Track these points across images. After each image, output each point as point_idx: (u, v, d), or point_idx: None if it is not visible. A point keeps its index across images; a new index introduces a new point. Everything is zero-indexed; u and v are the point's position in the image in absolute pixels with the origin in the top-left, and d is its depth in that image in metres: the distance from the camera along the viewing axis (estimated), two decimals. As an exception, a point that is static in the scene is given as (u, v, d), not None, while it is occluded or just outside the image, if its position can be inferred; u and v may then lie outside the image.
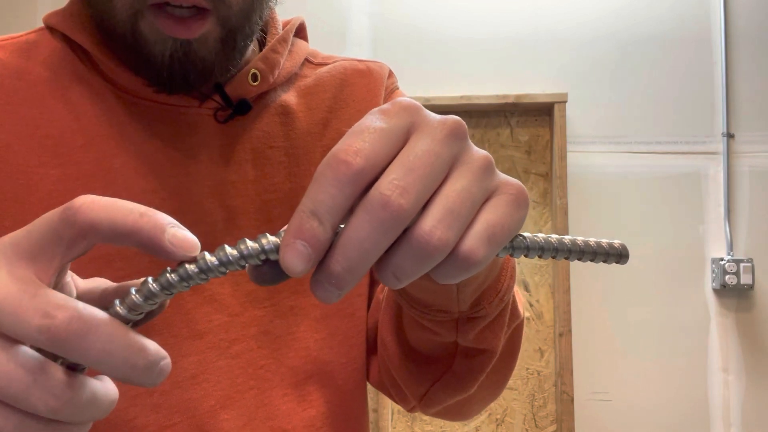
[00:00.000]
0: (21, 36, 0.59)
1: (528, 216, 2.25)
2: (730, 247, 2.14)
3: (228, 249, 0.28)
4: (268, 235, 0.29)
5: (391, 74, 0.70)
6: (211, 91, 0.57)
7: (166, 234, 0.29)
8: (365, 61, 0.69)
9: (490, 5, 2.30)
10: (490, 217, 0.31)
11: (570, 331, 2.13)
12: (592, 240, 0.34)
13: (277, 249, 0.28)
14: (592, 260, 0.34)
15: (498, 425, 2.22)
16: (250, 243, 0.29)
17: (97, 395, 0.29)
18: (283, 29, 0.64)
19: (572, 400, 2.11)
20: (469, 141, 0.32)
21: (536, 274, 2.23)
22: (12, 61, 0.56)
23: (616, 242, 0.35)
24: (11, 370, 0.27)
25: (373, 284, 0.66)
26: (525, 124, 2.28)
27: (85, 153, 0.54)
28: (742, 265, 2.10)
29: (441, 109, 2.21)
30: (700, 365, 2.15)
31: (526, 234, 0.34)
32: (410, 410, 0.64)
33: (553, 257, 0.34)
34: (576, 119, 2.23)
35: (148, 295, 0.28)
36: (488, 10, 2.30)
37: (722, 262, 2.11)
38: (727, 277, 2.10)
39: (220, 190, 0.57)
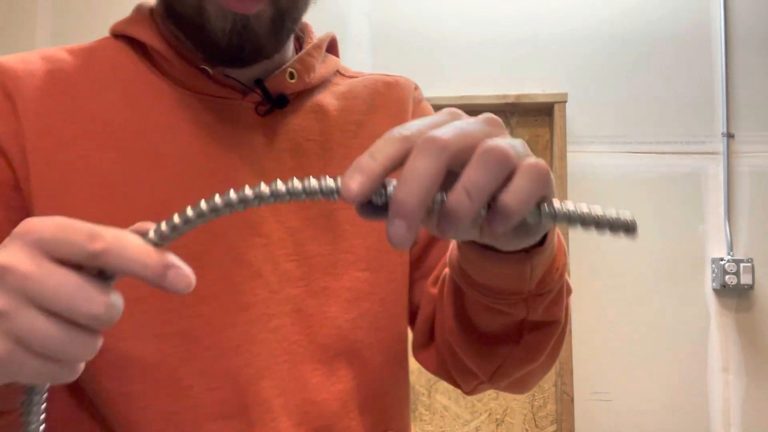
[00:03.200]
0: (88, 44, 0.67)
1: (528, 216, 2.25)
2: (730, 247, 2.14)
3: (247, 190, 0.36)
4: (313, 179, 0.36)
5: (417, 87, 0.77)
6: (253, 86, 0.64)
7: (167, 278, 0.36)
8: (393, 75, 0.76)
9: (490, 5, 2.30)
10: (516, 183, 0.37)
11: (570, 331, 2.13)
12: (600, 211, 0.38)
13: (288, 191, 0.36)
14: (600, 229, 0.38)
15: (498, 425, 2.21)
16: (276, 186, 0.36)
17: (118, 302, 0.36)
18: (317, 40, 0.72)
19: (572, 400, 2.11)
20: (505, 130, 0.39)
21: (536, 274, 2.23)
22: (79, 62, 0.64)
23: (627, 214, 0.38)
24: (60, 284, 0.34)
25: (413, 282, 0.71)
26: (525, 124, 2.28)
27: (139, 140, 0.60)
28: (742, 265, 2.10)
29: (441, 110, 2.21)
30: (700, 365, 2.15)
31: (553, 202, 0.39)
32: (470, 392, 0.68)
33: (568, 224, 0.39)
34: (576, 119, 2.23)
35: (174, 227, 0.36)
36: (488, 10, 2.30)
37: (722, 262, 2.11)
38: (727, 277, 2.10)
39: (260, 175, 0.62)
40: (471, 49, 2.29)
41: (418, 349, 0.71)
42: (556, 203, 0.38)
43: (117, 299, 0.36)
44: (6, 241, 0.36)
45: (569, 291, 0.59)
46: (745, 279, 2.10)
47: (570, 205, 0.38)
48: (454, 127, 0.36)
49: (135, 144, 0.60)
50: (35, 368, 0.35)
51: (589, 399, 2.17)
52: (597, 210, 0.38)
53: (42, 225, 0.35)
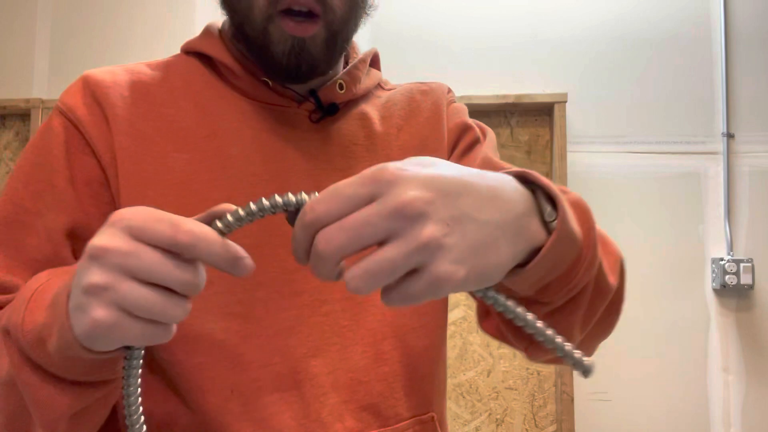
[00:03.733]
0: (164, 60, 0.76)
1: (528, 216, 2.25)
2: (730, 247, 2.14)
3: (270, 200, 0.43)
4: (292, 194, 0.43)
5: (449, 91, 0.84)
6: (307, 96, 0.72)
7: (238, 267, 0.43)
8: (427, 82, 0.84)
9: (491, 5, 2.30)
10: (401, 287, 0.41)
11: (570, 331, 2.13)
12: (561, 339, 0.42)
13: (295, 205, 0.43)
14: (555, 354, 0.42)
15: (498, 425, 2.22)
16: (280, 198, 0.43)
17: (203, 272, 0.43)
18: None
19: (572, 400, 2.11)
20: (424, 215, 0.40)
21: (536, 274, 2.23)
22: (156, 74, 0.73)
23: (586, 358, 0.42)
24: (154, 259, 0.41)
25: None
26: (525, 124, 2.28)
27: (209, 143, 0.68)
28: (742, 265, 2.10)
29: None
30: (700, 365, 2.15)
31: (498, 296, 0.44)
32: (531, 357, 0.70)
33: (519, 325, 0.44)
34: (576, 119, 2.23)
35: (238, 218, 0.42)
36: (488, 10, 2.30)
37: (722, 262, 2.11)
38: (727, 277, 2.10)
39: (314, 174, 0.70)
40: (471, 49, 2.29)
41: (481, 318, 0.75)
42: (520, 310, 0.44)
43: (201, 270, 0.43)
44: (101, 228, 0.43)
45: (603, 293, 0.58)
46: (745, 279, 2.10)
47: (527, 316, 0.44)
48: (343, 229, 0.40)
49: (205, 146, 0.68)
50: (138, 331, 0.41)
51: (589, 399, 2.17)
52: (553, 338, 0.43)
53: (131, 214, 0.42)
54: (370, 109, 0.77)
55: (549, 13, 2.28)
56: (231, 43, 0.73)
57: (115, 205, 0.67)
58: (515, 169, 0.51)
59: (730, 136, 2.18)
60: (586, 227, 0.52)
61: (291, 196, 0.42)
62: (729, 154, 2.18)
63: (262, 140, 0.70)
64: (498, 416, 2.22)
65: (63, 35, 2.46)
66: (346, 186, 0.40)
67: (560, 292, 0.52)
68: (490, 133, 0.81)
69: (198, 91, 0.72)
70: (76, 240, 0.66)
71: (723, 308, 2.16)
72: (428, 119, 0.79)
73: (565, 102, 2.18)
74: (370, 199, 0.40)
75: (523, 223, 0.46)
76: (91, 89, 0.69)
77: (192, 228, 0.41)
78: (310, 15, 0.65)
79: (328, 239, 0.39)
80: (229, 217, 0.43)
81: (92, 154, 0.67)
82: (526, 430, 2.21)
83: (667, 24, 2.24)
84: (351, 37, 0.71)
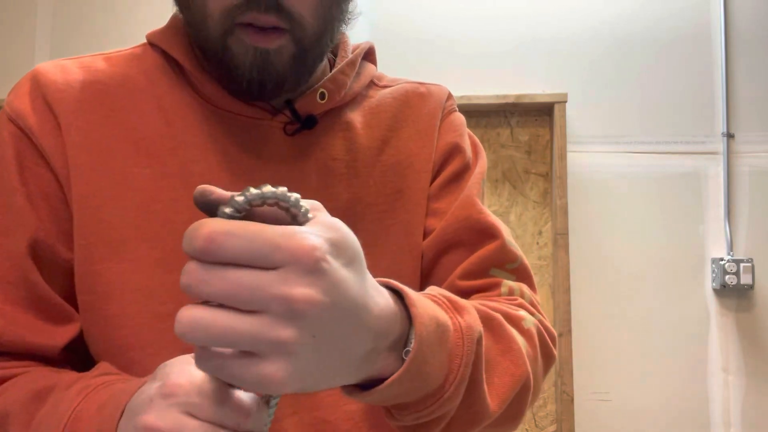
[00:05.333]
0: (127, 49, 0.68)
1: (528, 216, 2.25)
2: (730, 247, 2.14)
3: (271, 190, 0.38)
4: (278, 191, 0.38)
5: (449, 97, 0.76)
6: (282, 106, 0.64)
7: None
8: (427, 84, 0.75)
9: (490, 5, 2.30)
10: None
11: (570, 331, 2.13)
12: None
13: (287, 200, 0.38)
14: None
15: (498, 425, 2.21)
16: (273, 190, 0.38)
17: (266, 417, 0.43)
18: (353, 53, 0.71)
19: (572, 400, 2.11)
20: (303, 318, 0.36)
21: (536, 274, 2.23)
22: (117, 70, 0.65)
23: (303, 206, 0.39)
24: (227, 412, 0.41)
25: None
26: (525, 124, 2.28)
27: (173, 156, 0.62)
28: (742, 265, 2.10)
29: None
30: (700, 365, 2.15)
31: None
32: None
33: None
34: (576, 119, 2.23)
35: (246, 201, 0.38)
36: (488, 10, 2.30)
37: (722, 262, 2.11)
38: (727, 277, 2.10)
39: None
40: (471, 49, 2.29)
41: None
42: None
43: (264, 415, 0.42)
44: (149, 399, 0.42)
45: (509, 387, 0.55)
46: (745, 279, 2.10)
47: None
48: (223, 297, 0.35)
49: (168, 161, 0.62)
50: None
51: (589, 399, 2.17)
52: None
53: (186, 387, 0.41)
54: (356, 117, 0.69)
55: (549, 14, 2.28)
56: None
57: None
58: (412, 297, 0.46)
59: (730, 136, 2.18)
60: (458, 363, 0.48)
61: (291, 196, 0.38)
62: (729, 154, 2.18)
63: (230, 156, 0.63)
64: (498, 416, 2.22)
65: (63, 35, 2.46)
66: (266, 239, 0.35)
67: (408, 416, 0.49)
68: (482, 157, 0.74)
69: (161, 96, 0.64)
70: (38, 260, 0.61)
71: (723, 308, 2.15)
72: (419, 132, 0.71)
73: (565, 102, 2.18)
74: (274, 265, 0.35)
75: (378, 357, 0.43)
76: (41, 92, 0.62)
77: (247, 413, 0.40)
78: (274, 28, 0.58)
79: (209, 279, 0.34)
80: (238, 198, 0.38)
81: (47, 167, 0.61)
82: (526, 430, 2.20)
83: (667, 24, 2.24)
84: (324, 54, 0.63)
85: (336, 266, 0.37)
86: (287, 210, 0.38)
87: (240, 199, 0.36)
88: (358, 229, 0.62)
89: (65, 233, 0.61)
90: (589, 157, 2.23)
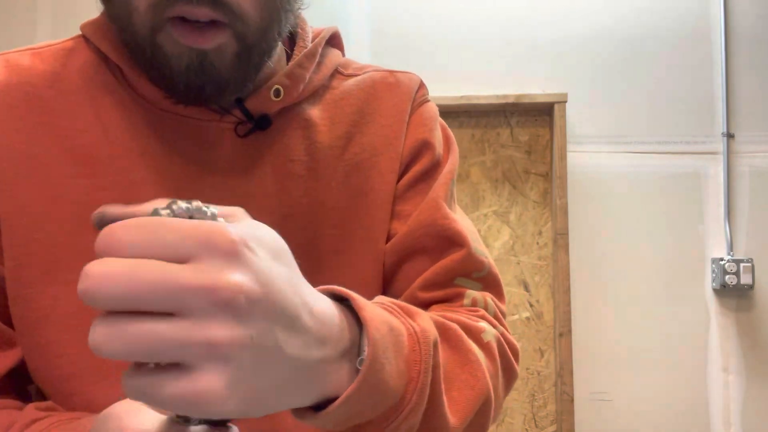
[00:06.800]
0: (59, 43, 0.61)
1: (528, 216, 2.25)
2: (730, 247, 2.14)
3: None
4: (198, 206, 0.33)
5: (421, 87, 0.68)
6: (232, 106, 0.57)
7: None
8: (396, 72, 0.68)
9: (491, 6, 2.30)
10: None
11: (570, 331, 2.13)
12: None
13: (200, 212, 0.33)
14: None
15: (498, 425, 2.21)
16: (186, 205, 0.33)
17: None
18: (314, 40, 0.64)
19: (572, 400, 2.11)
20: (235, 310, 0.30)
21: (536, 274, 2.23)
22: (47, 68, 0.58)
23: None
24: None
25: None
26: (525, 124, 2.28)
27: (111, 164, 0.56)
28: (742, 265, 2.10)
29: (441, 109, 2.21)
30: (700, 365, 2.15)
31: None
32: None
33: None
34: (576, 119, 2.23)
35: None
36: (488, 10, 2.30)
37: (722, 262, 2.11)
38: (727, 277, 2.10)
39: (240, 202, 0.56)
40: (471, 49, 2.29)
41: None
42: None
43: None
44: None
45: (469, 402, 0.51)
46: (745, 279, 2.10)
47: None
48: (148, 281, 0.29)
49: (106, 171, 0.55)
50: None
51: (589, 399, 2.17)
52: None
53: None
54: (317, 112, 0.62)
55: (549, 14, 2.28)
56: None
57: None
58: (359, 301, 0.41)
59: (730, 136, 2.18)
60: (417, 370, 0.44)
61: (208, 210, 0.33)
62: (729, 154, 2.18)
63: (176, 163, 0.56)
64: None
65: (63, 35, 2.45)
66: (173, 227, 0.30)
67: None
68: (453, 153, 0.68)
69: (97, 98, 0.57)
70: None
71: (723, 308, 2.15)
72: (385, 127, 0.64)
73: (565, 102, 2.18)
74: (187, 257, 0.30)
75: (328, 369, 0.37)
76: None
77: None
78: (212, 23, 0.51)
79: (102, 277, 0.28)
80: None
81: None
82: (526, 430, 2.21)
83: (667, 24, 2.23)
84: (272, 50, 0.56)
85: (261, 255, 0.32)
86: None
87: (164, 211, 0.32)
88: (320, 235, 0.60)
89: None
90: (589, 157, 2.23)
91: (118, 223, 0.30)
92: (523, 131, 2.28)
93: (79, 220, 0.54)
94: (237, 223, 0.33)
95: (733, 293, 2.15)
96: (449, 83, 2.25)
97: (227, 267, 0.30)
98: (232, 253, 0.30)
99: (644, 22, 2.24)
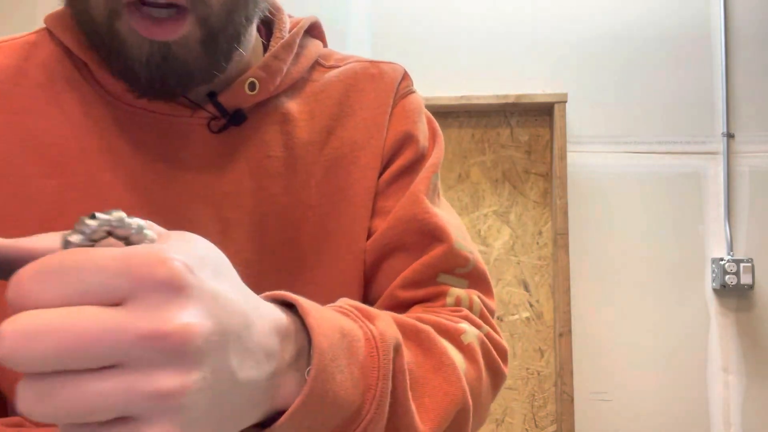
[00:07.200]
0: (22, 37, 0.58)
1: (528, 216, 2.25)
2: (730, 247, 2.14)
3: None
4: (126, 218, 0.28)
5: (405, 77, 0.65)
6: (204, 101, 0.55)
7: None
8: (379, 63, 0.65)
9: (491, 6, 2.30)
10: None
11: (570, 331, 2.13)
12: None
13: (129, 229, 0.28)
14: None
15: (498, 425, 2.22)
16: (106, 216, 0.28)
17: None
18: (292, 31, 0.61)
19: (572, 400, 2.11)
20: (186, 356, 0.26)
21: (536, 274, 2.24)
22: (10, 64, 0.55)
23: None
24: None
25: None
26: (525, 124, 2.28)
27: (80, 164, 0.53)
28: (742, 265, 2.10)
29: (441, 109, 2.22)
30: (700, 365, 2.15)
31: None
32: None
33: None
34: (576, 119, 2.23)
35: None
36: (488, 10, 2.30)
37: (722, 262, 2.11)
38: (727, 277, 2.10)
39: (215, 201, 0.55)
40: (471, 49, 2.29)
41: None
42: None
43: None
44: None
45: (442, 408, 0.47)
46: (745, 279, 2.10)
47: None
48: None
49: (77, 169, 0.53)
50: None
51: (589, 399, 2.17)
52: None
53: None
54: (296, 106, 0.60)
55: (549, 14, 2.28)
56: None
57: None
58: (306, 306, 0.38)
59: (730, 136, 2.18)
60: (375, 377, 0.40)
61: (128, 220, 0.28)
62: (729, 154, 2.18)
63: (146, 162, 0.54)
64: (498, 416, 2.22)
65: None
66: (96, 266, 0.25)
67: None
68: (439, 146, 0.65)
69: (62, 93, 0.54)
70: None
71: (723, 308, 2.16)
72: (366, 120, 0.62)
73: (565, 102, 2.18)
74: (121, 298, 0.25)
75: (279, 382, 0.34)
76: None
77: None
78: (172, 7, 0.47)
79: (21, 338, 0.24)
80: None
81: None
82: (526, 430, 2.21)
83: (667, 24, 2.24)
84: (241, 35, 0.53)
85: (203, 277, 0.28)
86: (126, 240, 0.28)
87: (74, 238, 0.27)
88: (299, 234, 0.58)
89: None
90: (589, 157, 2.23)
91: (26, 270, 0.25)
92: (523, 131, 2.28)
93: (48, 220, 0.52)
94: (169, 241, 0.28)
95: (733, 293, 2.15)
96: (449, 83, 2.25)
97: (172, 305, 0.26)
98: (175, 287, 0.26)
99: (644, 22, 2.24)
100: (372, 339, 0.41)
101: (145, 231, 0.28)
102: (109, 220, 0.27)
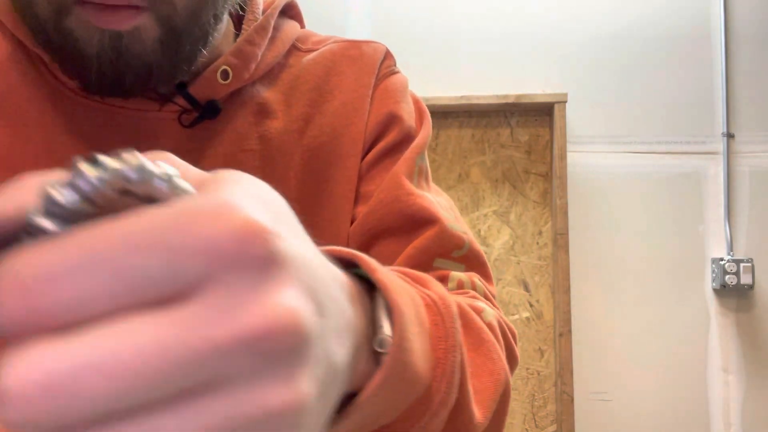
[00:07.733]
0: None
1: (528, 216, 2.25)
2: (730, 247, 2.14)
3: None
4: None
5: (387, 57, 0.60)
6: (173, 93, 0.51)
7: None
8: (359, 42, 0.60)
9: (491, 5, 2.30)
10: None
11: (570, 331, 2.13)
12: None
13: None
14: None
15: (498, 425, 2.22)
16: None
17: None
18: (265, 12, 0.57)
19: (572, 400, 2.11)
20: (298, 353, 0.19)
21: (536, 274, 2.24)
22: None
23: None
24: None
25: None
26: (525, 124, 2.28)
27: (34, 167, 0.43)
28: (742, 265, 2.10)
29: (441, 109, 2.22)
30: (700, 365, 2.15)
31: None
32: None
33: None
34: (576, 119, 2.23)
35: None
36: (488, 10, 2.30)
37: (722, 262, 2.12)
38: (727, 277, 2.10)
39: None
40: (471, 49, 2.29)
41: None
42: None
43: None
44: None
45: (491, 390, 0.41)
46: (745, 279, 2.10)
47: None
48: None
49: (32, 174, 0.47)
50: None
51: (589, 399, 2.17)
52: None
53: None
54: (272, 94, 0.56)
55: (549, 14, 2.28)
56: None
57: None
58: (371, 263, 0.31)
59: (730, 136, 2.18)
60: (443, 348, 0.34)
61: (153, 169, 0.18)
62: (729, 154, 2.18)
63: None
64: (498, 416, 2.22)
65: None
66: (138, 244, 0.17)
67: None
68: (426, 126, 0.60)
69: (14, 89, 0.50)
70: None
71: (723, 308, 2.16)
72: (346, 104, 0.57)
73: (565, 102, 2.18)
74: (180, 292, 0.17)
75: (357, 358, 0.27)
76: None
77: None
78: (131, 9, 0.43)
79: (46, 395, 0.15)
80: (59, 197, 0.17)
81: None
82: (526, 430, 2.21)
83: (667, 24, 2.24)
84: (208, 36, 0.48)
85: (292, 242, 0.20)
86: (149, 199, 0.18)
87: (63, 196, 0.17)
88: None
89: None
90: (589, 157, 2.23)
91: (25, 265, 0.16)
92: (523, 131, 2.28)
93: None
94: (228, 188, 0.19)
95: (733, 293, 2.15)
96: (449, 83, 2.25)
97: (268, 287, 0.18)
98: (271, 263, 0.18)
99: (644, 22, 2.24)
100: (433, 305, 0.35)
101: (177, 180, 0.18)
102: (121, 171, 0.17)
